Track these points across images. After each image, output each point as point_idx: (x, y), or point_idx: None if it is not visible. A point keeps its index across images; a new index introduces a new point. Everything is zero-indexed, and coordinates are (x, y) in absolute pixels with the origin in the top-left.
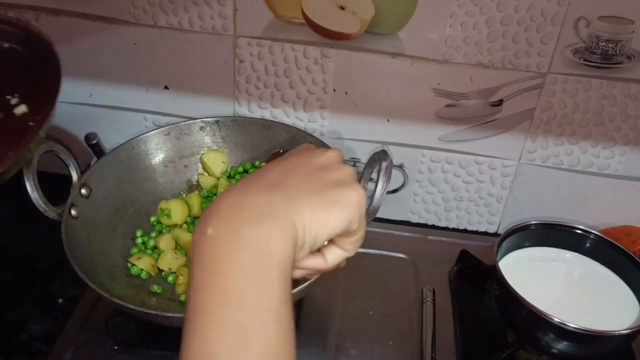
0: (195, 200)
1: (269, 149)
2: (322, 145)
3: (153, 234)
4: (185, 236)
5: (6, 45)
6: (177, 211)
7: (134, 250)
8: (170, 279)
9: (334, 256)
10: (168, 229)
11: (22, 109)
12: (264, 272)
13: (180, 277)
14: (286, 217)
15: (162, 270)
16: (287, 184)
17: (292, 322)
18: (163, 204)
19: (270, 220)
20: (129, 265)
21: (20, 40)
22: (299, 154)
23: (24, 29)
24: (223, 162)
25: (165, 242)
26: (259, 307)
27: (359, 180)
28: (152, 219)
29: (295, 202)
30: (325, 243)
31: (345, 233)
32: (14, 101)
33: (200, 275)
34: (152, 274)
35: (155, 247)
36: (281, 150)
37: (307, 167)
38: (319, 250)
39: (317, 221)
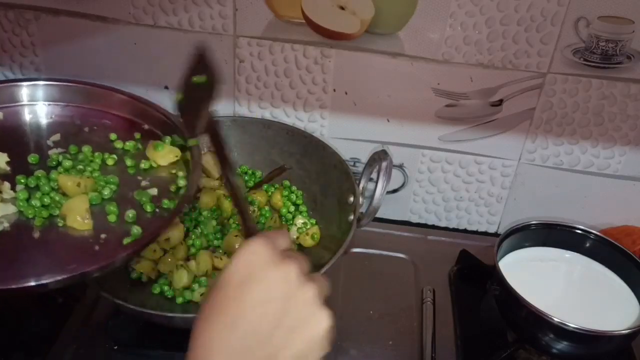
0: None
1: (269, 150)
2: (321, 144)
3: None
4: None
5: None
6: None
7: None
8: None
9: None
10: None
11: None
12: None
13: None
14: None
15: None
16: (270, 345)
17: None
18: None
19: None
20: (130, 270)
21: None
22: (263, 279)
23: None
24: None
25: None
26: None
27: (360, 180)
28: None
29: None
30: None
31: None
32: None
33: None
34: (152, 277)
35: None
36: (286, 166)
37: (277, 302)
38: None
39: None
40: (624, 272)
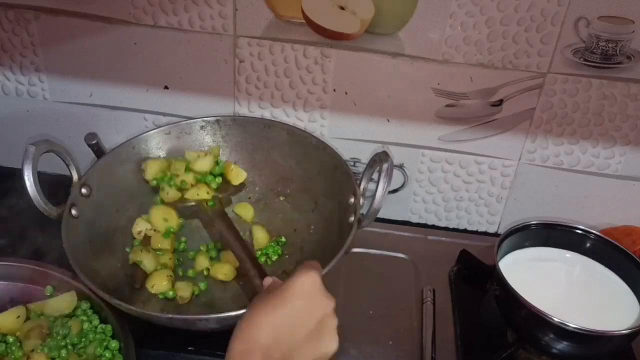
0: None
1: (269, 150)
2: (321, 144)
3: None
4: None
5: None
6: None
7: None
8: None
9: None
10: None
11: None
12: None
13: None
14: None
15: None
16: (294, 354)
17: None
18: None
19: None
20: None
21: None
22: (306, 305)
23: None
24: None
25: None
26: None
27: (360, 181)
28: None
29: None
30: None
31: None
32: None
33: None
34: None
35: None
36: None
37: (311, 324)
38: None
39: None
40: (624, 272)
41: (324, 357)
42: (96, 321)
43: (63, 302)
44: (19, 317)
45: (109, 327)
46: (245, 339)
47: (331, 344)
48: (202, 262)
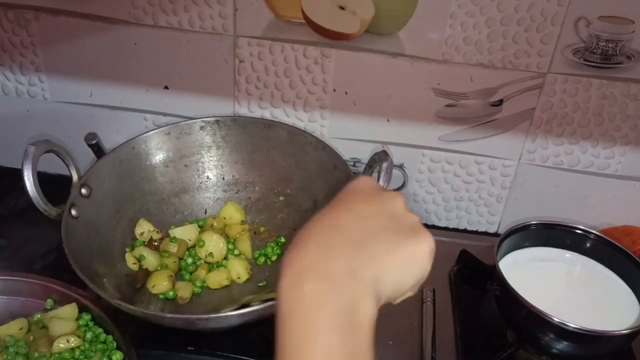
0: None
1: (269, 150)
2: (321, 144)
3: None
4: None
5: None
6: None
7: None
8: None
9: (401, 299)
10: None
11: None
12: (355, 345)
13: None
14: (373, 283)
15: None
16: (369, 244)
17: None
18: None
19: (362, 287)
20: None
21: None
22: (368, 200)
23: None
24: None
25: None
26: None
27: None
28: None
29: (380, 265)
30: None
31: None
32: None
33: (294, 339)
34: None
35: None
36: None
37: (381, 218)
38: None
39: (398, 283)
40: (624, 272)
41: (418, 256)
42: (98, 331)
43: (64, 314)
44: (21, 329)
45: (110, 338)
46: (293, 261)
47: (424, 239)
48: (200, 274)
